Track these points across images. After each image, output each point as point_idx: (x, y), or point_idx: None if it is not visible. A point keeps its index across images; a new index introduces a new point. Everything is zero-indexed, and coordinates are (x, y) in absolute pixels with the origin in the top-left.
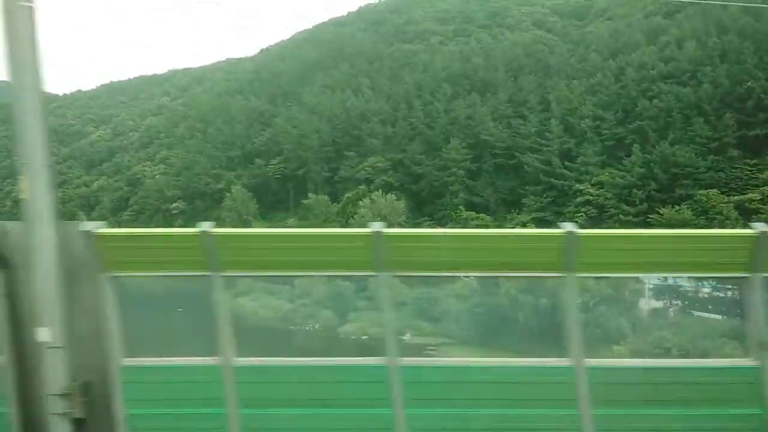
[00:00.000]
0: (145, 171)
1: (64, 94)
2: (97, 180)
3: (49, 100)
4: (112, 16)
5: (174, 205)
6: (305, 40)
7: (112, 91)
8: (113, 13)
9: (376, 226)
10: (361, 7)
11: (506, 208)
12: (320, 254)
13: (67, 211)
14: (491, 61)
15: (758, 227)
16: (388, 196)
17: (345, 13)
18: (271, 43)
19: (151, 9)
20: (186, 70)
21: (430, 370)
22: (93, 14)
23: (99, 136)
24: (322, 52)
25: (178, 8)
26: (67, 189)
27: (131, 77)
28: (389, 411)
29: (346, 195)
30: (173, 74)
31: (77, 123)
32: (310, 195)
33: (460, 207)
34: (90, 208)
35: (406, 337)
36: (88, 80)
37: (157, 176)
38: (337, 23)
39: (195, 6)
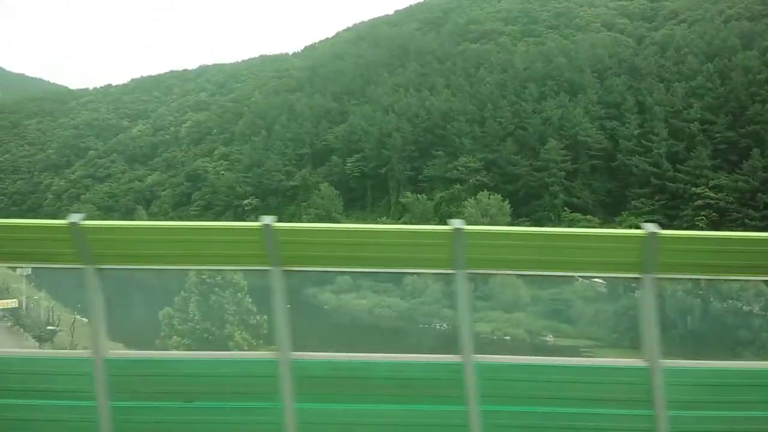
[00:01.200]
0: (206, 167)
1: (95, 88)
2: (150, 175)
3: (80, 94)
4: (135, 13)
5: (246, 201)
6: (360, 38)
7: (143, 85)
8: (137, 9)
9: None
10: (411, 5)
11: (604, 210)
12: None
13: (122, 205)
14: (574, 61)
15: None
16: (494, 196)
17: (391, 12)
18: (316, 41)
19: (173, 7)
20: (216, 66)
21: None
22: (119, 10)
23: (140, 131)
24: (384, 51)
25: (204, 7)
26: (112, 183)
27: (161, 72)
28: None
29: (439, 194)
30: (204, 70)
31: (112, 117)
32: (392, 193)
33: (565, 208)
34: (146, 203)
35: (549, 339)
36: (118, 75)
37: (221, 172)
38: (388, 22)
39: (221, 5)
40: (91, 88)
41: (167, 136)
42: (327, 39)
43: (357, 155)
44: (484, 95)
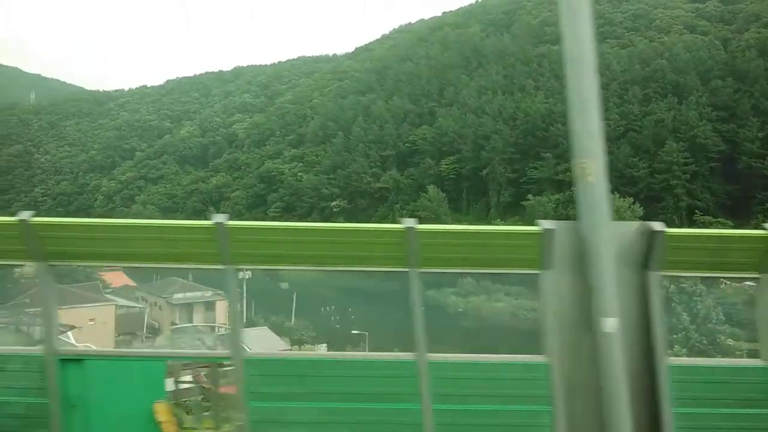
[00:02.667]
0: (279, 169)
1: (130, 89)
2: (213, 176)
3: (116, 95)
4: (167, 14)
5: (334, 203)
6: (421, 40)
7: (180, 86)
8: (166, 11)
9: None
10: (464, 6)
11: (725, 213)
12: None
13: (188, 206)
14: (675, 63)
15: None
16: (625, 199)
17: (439, 13)
18: (364, 43)
19: (204, 10)
20: (252, 68)
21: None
22: (149, 11)
23: (188, 132)
24: (456, 53)
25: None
26: (166, 184)
27: (197, 73)
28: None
29: (555, 197)
30: (240, 71)
31: (153, 118)
32: (493, 195)
33: (696, 210)
34: (214, 204)
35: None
36: (151, 76)
37: (299, 174)
38: (452, 24)
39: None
40: (126, 89)
41: (218, 138)
42: (379, 40)
43: (451, 157)
44: None
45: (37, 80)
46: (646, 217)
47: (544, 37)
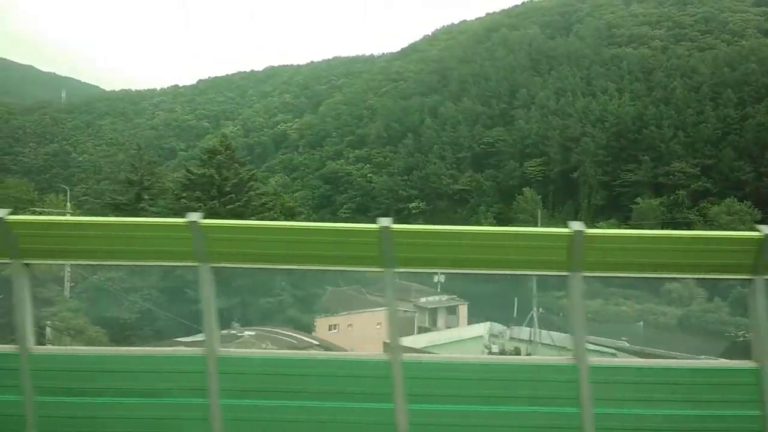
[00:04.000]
0: (346, 169)
1: (162, 89)
2: (271, 177)
3: (148, 94)
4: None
5: (413, 204)
6: (478, 42)
7: (213, 86)
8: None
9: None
10: (516, 5)
11: None
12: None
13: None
14: (764, 67)
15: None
16: (744, 202)
17: (483, 14)
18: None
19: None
20: (286, 68)
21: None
22: (161, 10)
23: (231, 132)
24: (523, 55)
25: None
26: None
27: (229, 73)
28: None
29: (658, 200)
30: (273, 71)
31: (191, 118)
32: (584, 198)
33: None
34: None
35: None
36: (183, 75)
37: (368, 175)
38: (508, 26)
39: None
40: (158, 88)
41: (264, 138)
42: (421, 41)
43: (537, 159)
44: (679, 99)
45: (53, 79)
46: (763, 221)
47: (613, 39)
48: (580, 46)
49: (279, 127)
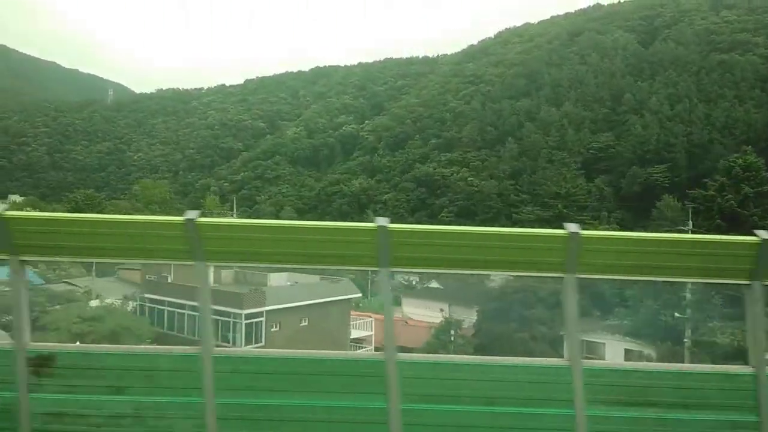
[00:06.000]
0: (440, 172)
1: (209, 88)
2: (354, 179)
3: (197, 94)
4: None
5: (527, 208)
6: (563, 45)
7: (261, 86)
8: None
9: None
10: (585, 8)
11: None
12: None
13: (333, 209)
14: None
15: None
16: None
17: (558, 14)
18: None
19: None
20: (334, 68)
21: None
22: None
23: (296, 133)
24: (618, 60)
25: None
26: (283, 185)
27: (276, 73)
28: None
29: None
30: (320, 72)
31: (246, 118)
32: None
33: None
34: (359, 207)
35: None
36: (228, 75)
37: (468, 178)
38: (595, 30)
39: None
40: (205, 88)
41: (330, 139)
42: (483, 42)
43: (661, 166)
44: None
45: (75, 76)
46: None
47: (715, 45)
48: (685, 52)
49: (344, 128)
